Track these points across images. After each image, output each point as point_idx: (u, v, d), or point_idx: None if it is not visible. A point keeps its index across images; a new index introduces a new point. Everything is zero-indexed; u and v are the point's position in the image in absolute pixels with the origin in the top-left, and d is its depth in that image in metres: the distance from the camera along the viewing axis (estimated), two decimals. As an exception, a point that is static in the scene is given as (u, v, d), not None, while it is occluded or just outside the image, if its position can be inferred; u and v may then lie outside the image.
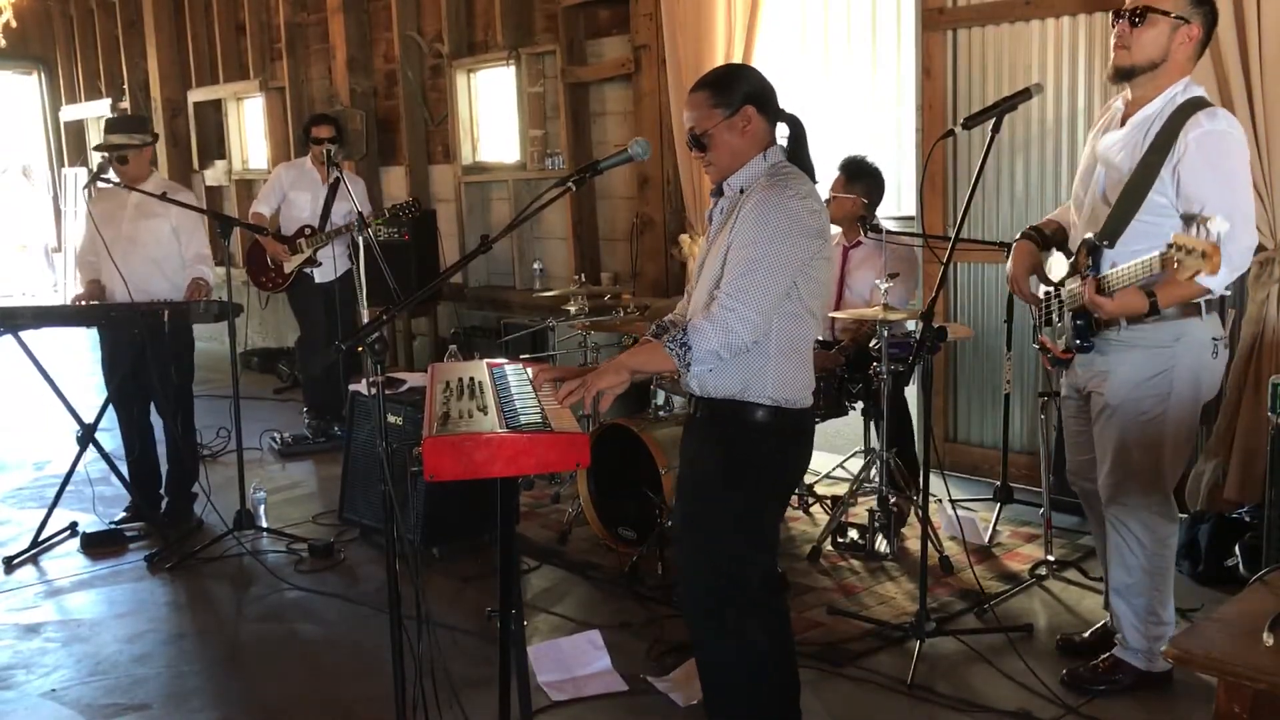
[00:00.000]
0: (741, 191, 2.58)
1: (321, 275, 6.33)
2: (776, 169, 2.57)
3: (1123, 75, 2.94)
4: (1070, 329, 3.03)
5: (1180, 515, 3.26)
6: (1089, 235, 2.95)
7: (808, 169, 2.63)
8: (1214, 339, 2.97)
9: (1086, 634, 3.46)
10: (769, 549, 2.71)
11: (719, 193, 2.66)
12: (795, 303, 2.51)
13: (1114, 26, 2.94)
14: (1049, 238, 3.26)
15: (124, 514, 5.08)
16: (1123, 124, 2.99)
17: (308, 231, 6.27)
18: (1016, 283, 3.24)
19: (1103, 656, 3.24)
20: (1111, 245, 2.89)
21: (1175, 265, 2.55)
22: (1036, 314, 3.27)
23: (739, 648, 2.63)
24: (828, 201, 4.75)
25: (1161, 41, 2.86)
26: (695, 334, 2.46)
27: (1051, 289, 3.17)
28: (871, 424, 4.76)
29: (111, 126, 5.19)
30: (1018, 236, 3.30)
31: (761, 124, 2.59)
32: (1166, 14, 2.85)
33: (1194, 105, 2.85)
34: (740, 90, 2.57)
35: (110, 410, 4.94)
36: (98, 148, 5.09)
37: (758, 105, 2.58)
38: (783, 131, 2.66)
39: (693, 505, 2.68)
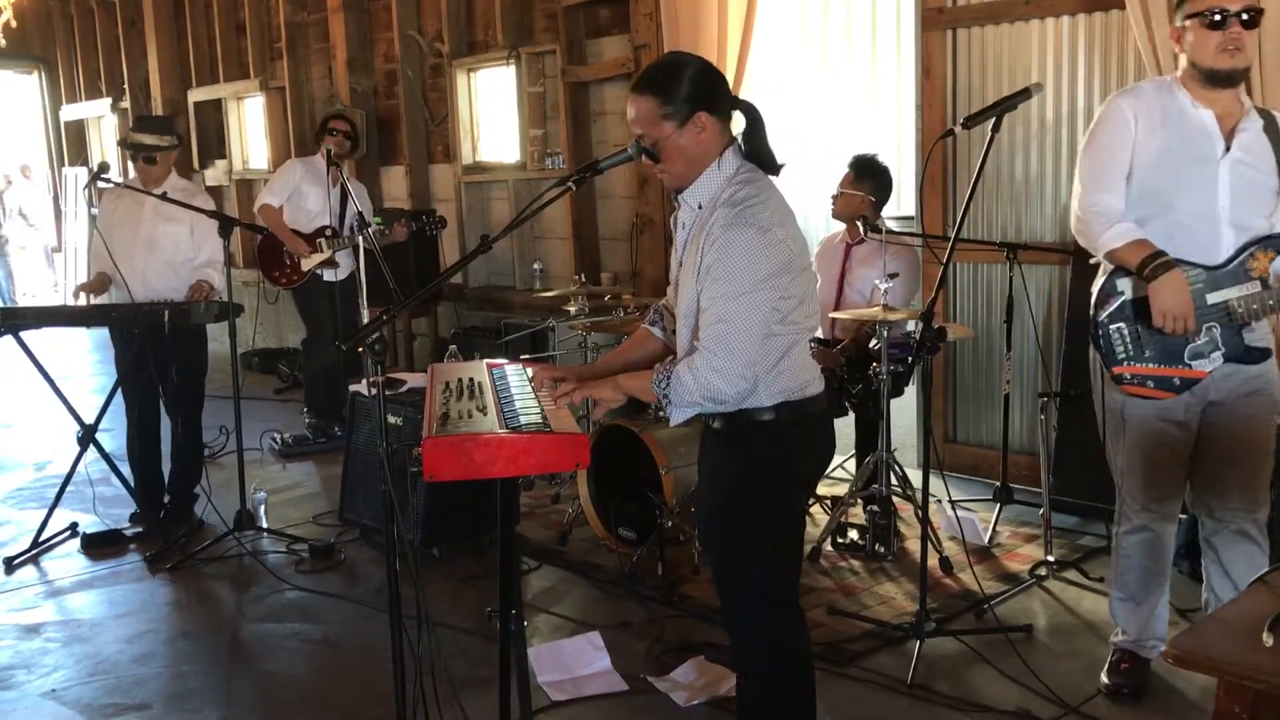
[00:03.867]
0: (700, 207, 2.46)
1: (329, 275, 6.34)
2: (735, 182, 2.42)
3: (1238, 79, 2.84)
4: (1235, 341, 2.92)
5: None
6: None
7: (767, 161, 2.48)
8: None
9: None
10: (798, 545, 2.64)
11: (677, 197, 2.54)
12: (779, 324, 2.39)
13: (1218, 30, 2.76)
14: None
15: (130, 523, 5.03)
16: (1228, 130, 2.90)
17: (329, 232, 6.27)
18: (1187, 318, 2.84)
19: None
20: None
21: None
22: (1134, 343, 2.98)
23: (780, 651, 2.55)
24: (834, 197, 4.76)
25: (1254, 41, 2.80)
26: (677, 387, 2.36)
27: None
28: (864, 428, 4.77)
29: (140, 126, 5.08)
30: (1158, 267, 2.84)
31: (716, 126, 2.43)
32: (1262, 12, 2.78)
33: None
34: (689, 94, 2.39)
35: (113, 410, 4.92)
36: (124, 144, 4.98)
37: (710, 108, 2.41)
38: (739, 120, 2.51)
39: (718, 516, 2.58)
